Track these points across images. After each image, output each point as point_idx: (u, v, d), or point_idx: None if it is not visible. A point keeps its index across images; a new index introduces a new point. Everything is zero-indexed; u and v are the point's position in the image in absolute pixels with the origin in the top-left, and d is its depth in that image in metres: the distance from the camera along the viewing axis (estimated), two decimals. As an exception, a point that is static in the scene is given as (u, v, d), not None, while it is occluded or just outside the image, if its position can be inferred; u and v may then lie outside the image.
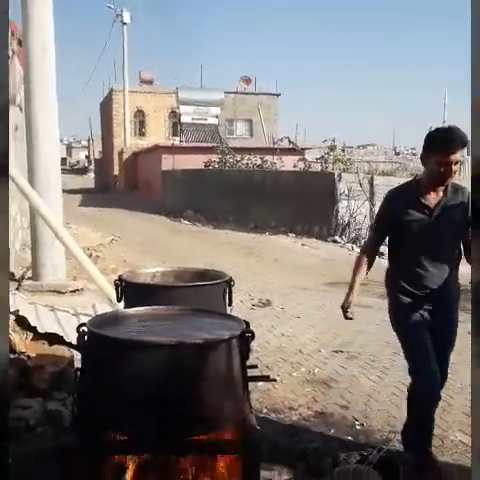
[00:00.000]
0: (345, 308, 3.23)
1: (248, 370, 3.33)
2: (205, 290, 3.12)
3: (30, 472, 2.43)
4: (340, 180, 13.21)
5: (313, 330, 6.07)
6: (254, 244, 12.68)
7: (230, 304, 3.28)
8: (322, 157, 17.10)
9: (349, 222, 13.15)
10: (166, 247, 11.26)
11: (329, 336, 5.85)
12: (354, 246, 12.42)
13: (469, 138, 2.56)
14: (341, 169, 15.70)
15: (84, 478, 2.10)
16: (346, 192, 13.09)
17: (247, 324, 2.41)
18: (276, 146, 20.24)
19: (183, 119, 26.06)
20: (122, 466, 2.14)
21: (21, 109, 7.54)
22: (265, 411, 3.91)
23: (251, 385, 3.96)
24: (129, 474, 2.15)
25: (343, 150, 17.95)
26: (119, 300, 3.15)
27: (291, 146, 19.92)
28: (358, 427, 3.74)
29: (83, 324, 2.23)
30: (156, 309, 2.53)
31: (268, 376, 3.04)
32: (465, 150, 2.95)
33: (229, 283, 3.25)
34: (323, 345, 5.50)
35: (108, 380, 2.06)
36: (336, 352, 5.29)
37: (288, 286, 8.39)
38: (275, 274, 9.46)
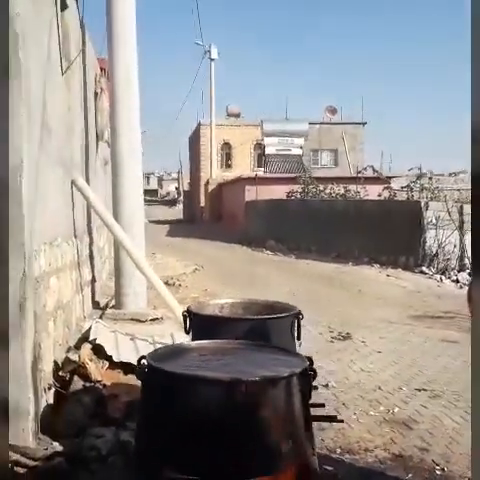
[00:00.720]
0: None
1: (314, 408, 3.27)
2: (272, 323, 3.08)
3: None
4: (427, 209, 12.75)
5: (395, 366, 5.80)
6: (336, 274, 12.45)
7: (299, 338, 3.21)
8: (408, 186, 16.62)
9: (437, 252, 12.61)
10: (247, 277, 11.30)
11: (412, 373, 5.56)
12: (443, 277, 11.87)
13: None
14: (428, 197, 15.17)
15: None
16: (434, 221, 12.60)
17: (310, 361, 2.34)
18: (360, 175, 19.95)
19: (267, 150, 26.44)
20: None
21: (108, 145, 7.95)
22: (339, 451, 3.74)
23: (325, 424, 3.89)
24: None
25: (430, 178, 17.37)
26: (187, 332, 3.17)
27: (375, 175, 19.58)
28: (438, 472, 3.49)
29: (143, 357, 2.26)
30: (217, 343, 2.53)
31: (335, 416, 2.92)
32: None
33: (297, 317, 3.19)
34: (405, 382, 5.23)
35: (163, 414, 2.06)
36: (418, 390, 5.01)
37: (371, 318, 8.12)
38: (357, 306, 9.20)
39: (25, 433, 3.34)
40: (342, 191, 18.43)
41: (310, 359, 2.39)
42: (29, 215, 3.63)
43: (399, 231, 13.09)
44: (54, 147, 4.87)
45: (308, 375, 2.18)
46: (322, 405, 3.11)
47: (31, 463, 3.14)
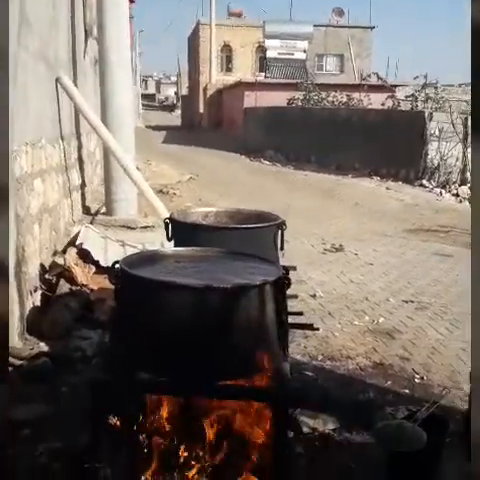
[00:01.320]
0: None
1: (293, 317, 3.27)
2: (255, 233, 3.00)
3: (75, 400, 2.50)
4: (431, 119, 12.35)
5: (385, 278, 5.82)
6: (335, 186, 12.29)
7: (282, 248, 3.15)
8: (412, 95, 16.02)
9: (439, 165, 12.37)
10: (244, 187, 11.15)
11: (401, 285, 5.59)
12: (443, 191, 11.71)
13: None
14: (433, 108, 14.68)
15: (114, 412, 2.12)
16: (437, 133, 12.26)
17: (286, 270, 2.29)
18: (364, 83, 19.23)
19: (269, 54, 25.37)
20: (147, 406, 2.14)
21: (97, 42, 7.51)
22: (320, 358, 3.81)
23: (309, 332, 3.92)
24: (154, 414, 2.15)
25: (436, 87, 16.71)
26: (169, 239, 3.11)
27: (380, 83, 18.84)
28: (417, 381, 3.56)
29: (117, 262, 2.20)
30: (195, 250, 2.46)
31: (312, 325, 2.92)
32: None
33: (281, 227, 3.10)
34: (393, 294, 5.27)
35: (135, 320, 2.03)
36: (406, 302, 5.05)
37: (365, 231, 8.09)
38: (353, 219, 9.14)
39: (10, 333, 3.36)
40: (345, 99, 17.82)
41: (286, 268, 2.34)
42: (7, 113, 3.44)
43: (401, 143, 12.77)
44: (35, 43, 4.58)
45: (282, 284, 2.14)
46: (300, 313, 3.12)
47: (17, 362, 3.19)
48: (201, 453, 2.17)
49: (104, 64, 6.51)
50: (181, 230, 3.02)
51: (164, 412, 2.19)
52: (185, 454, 2.15)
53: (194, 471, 2.13)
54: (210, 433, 2.20)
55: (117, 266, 2.15)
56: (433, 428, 2.47)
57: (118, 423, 2.14)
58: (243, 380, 2.10)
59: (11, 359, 3.16)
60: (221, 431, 2.23)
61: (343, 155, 14.37)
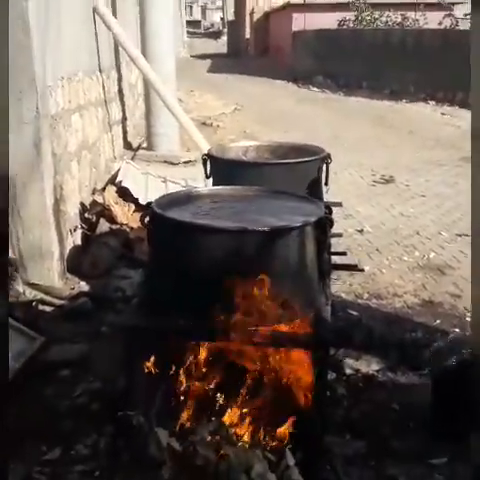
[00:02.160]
0: None
1: (335, 257, 3.13)
2: (297, 168, 2.84)
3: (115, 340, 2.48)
4: (493, 38, 11.42)
5: (437, 210, 5.55)
6: (388, 113, 11.70)
7: (326, 184, 2.98)
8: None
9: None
10: (290, 117, 10.74)
11: (454, 217, 5.31)
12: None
13: None
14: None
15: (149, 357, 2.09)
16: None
17: (329, 209, 2.13)
18: (420, 0, 17.83)
19: (319, -28, 23.74)
20: (186, 351, 2.09)
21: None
22: (366, 296, 3.68)
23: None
24: (193, 359, 2.10)
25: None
26: (207, 177, 2.98)
27: (437, 0, 17.44)
28: (468, 319, 3.40)
29: (150, 203, 2.10)
30: (233, 189, 2.33)
31: (355, 265, 2.78)
32: None
33: (326, 160, 2.92)
34: (445, 227, 5.02)
35: (168, 264, 1.95)
36: (459, 235, 4.79)
37: (419, 161, 7.69)
38: (407, 147, 8.70)
39: (51, 273, 3.39)
40: (399, 19, 16.66)
41: (329, 206, 2.18)
42: (39, 45, 3.32)
43: (458, 65, 11.88)
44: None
45: (324, 224, 1.99)
46: (344, 253, 2.97)
47: (57, 302, 3.22)
48: (239, 398, 2.13)
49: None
50: (220, 167, 2.90)
51: (200, 357, 2.15)
52: (222, 400, 2.11)
53: (232, 416, 2.10)
54: (249, 378, 2.15)
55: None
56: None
57: (153, 369, 2.11)
58: (283, 325, 2.02)
59: (51, 299, 3.19)
60: (260, 375, 2.18)
61: (397, 79, 13.59)
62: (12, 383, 2.45)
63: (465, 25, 15.07)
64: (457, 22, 15.55)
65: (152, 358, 2.11)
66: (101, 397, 2.46)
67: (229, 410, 2.10)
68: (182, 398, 2.10)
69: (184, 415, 2.07)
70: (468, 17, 15.18)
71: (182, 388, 2.13)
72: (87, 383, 2.60)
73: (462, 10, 17.42)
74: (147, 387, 2.09)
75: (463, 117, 10.98)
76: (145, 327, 2.02)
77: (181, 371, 2.16)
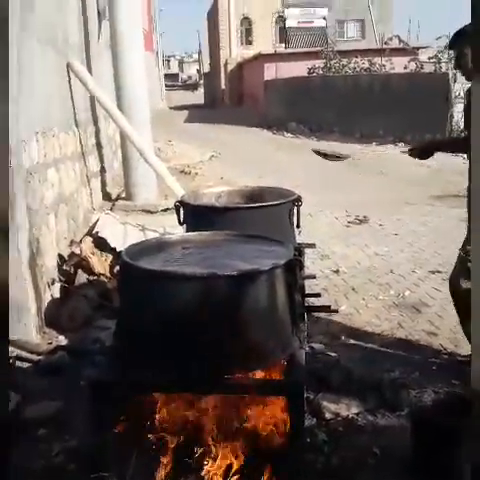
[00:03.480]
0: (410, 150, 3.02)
1: (311, 299, 3.15)
2: (269, 211, 2.87)
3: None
4: (455, 81, 11.92)
5: (411, 248, 5.66)
6: (359, 156, 12.01)
7: (298, 226, 3.04)
8: (435, 56, 15.43)
9: (465, 128, 11.97)
10: (266, 162, 10.97)
11: (427, 255, 5.43)
12: (470, 154, 11.33)
13: None
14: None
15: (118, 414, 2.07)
16: (462, 94, 11.82)
17: (299, 251, 2.18)
18: (386, 47, 18.59)
19: (289, 23, 24.86)
20: (155, 404, 2.08)
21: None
22: (344, 337, 3.71)
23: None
24: (162, 412, 2.09)
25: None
26: (181, 223, 3.02)
27: (402, 45, 18.19)
28: (445, 356, 3.44)
29: (120, 252, 2.13)
30: (203, 235, 2.35)
31: (329, 306, 2.80)
32: None
33: (296, 203, 2.98)
34: (419, 265, 5.11)
35: (137, 314, 1.95)
36: (432, 273, 4.89)
37: (390, 201, 7.89)
38: (378, 188, 8.94)
39: (27, 328, 3.36)
40: (367, 65, 17.30)
41: (299, 248, 2.23)
42: (12, 100, 3.38)
43: (425, 107, 12.38)
44: (40, 25, 4.46)
45: (294, 266, 2.00)
46: (318, 295, 3.00)
47: (34, 357, 3.19)
48: (216, 450, 2.11)
49: (116, 46, 6.41)
50: (193, 213, 2.92)
51: (173, 410, 2.12)
52: (199, 453, 2.09)
53: (210, 470, 2.08)
54: (225, 428, 2.14)
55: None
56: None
57: (125, 427, 2.08)
58: (255, 372, 2.03)
59: (28, 355, 3.16)
60: (237, 425, 2.17)
61: (367, 123, 14.02)
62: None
63: (429, 68, 15.72)
64: (422, 65, 16.19)
65: (123, 415, 2.08)
66: (78, 456, 2.40)
67: (206, 464, 2.07)
68: (157, 455, 2.07)
69: (161, 474, 2.04)
70: (432, 60, 15.85)
71: (156, 445, 2.10)
72: (64, 442, 2.54)
73: (426, 54, 18.18)
74: (120, 446, 2.05)
75: (432, 157, 11.31)
76: (111, 382, 1.97)
77: (154, 426, 2.13)
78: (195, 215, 2.91)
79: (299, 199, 3.00)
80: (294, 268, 2.01)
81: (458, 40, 2.89)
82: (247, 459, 2.08)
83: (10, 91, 3.27)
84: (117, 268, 2.04)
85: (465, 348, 3.49)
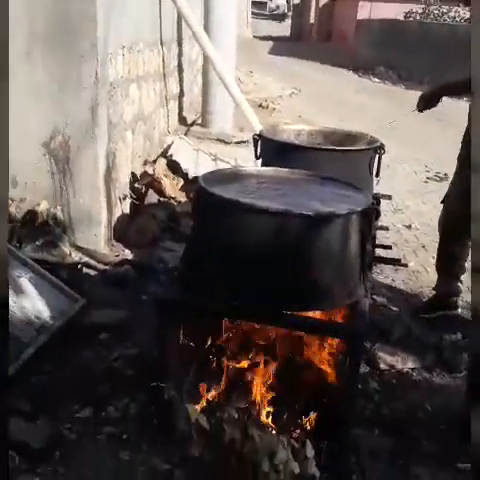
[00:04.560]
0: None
1: (380, 250, 3.05)
2: (349, 156, 2.78)
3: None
4: None
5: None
6: (447, 110, 11.32)
7: (377, 175, 2.91)
8: None
9: None
10: (348, 106, 10.53)
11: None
12: None
13: None
14: None
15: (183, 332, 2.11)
16: None
17: (377, 200, 2.08)
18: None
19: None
20: (220, 329, 2.10)
21: None
22: (408, 293, 3.60)
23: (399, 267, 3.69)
24: (227, 338, 2.11)
25: None
26: (257, 157, 2.96)
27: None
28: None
29: (197, 177, 2.10)
30: (280, 171, 2.30)
31: (399, 260, 2.70)
32: None
33: (378, 151, 2.85)
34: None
35: (209, 241, 1.94)
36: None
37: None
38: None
39: (97, 238, 3.45)
40: (468, 15, 16.03)
41: (377, 198, 2.13)
42: (104, 13, 3.34)
43: None
44: None
45: (369, 215, 1.94)
46: (389, 247, 2.90)
47: (101, 267, 3.28)
48: (270, 381, 2.13)
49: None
50: (270, 148, 2.87)
51: (235, 336, 2.15)
52: (253, 380, 2.12)
53: (262, 398, 2.11)
54: (281, 362, 2.15)
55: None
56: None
57: (188, 344, 2.13)
58: (320, 312, 2.00)
59: (95, 263, 3.25)
60: (293, 360, 2.18)
61: (459, 76, 13.12)
62: (51, 342, 2.52)
63: None
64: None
65: (187, 333, 2.13)
66: (137, 363, 2.49)
67: (259, 392, 2.11)
68: (214, 375, 2.12)
69: (214, 392, 2.09)
70: None
71: (215, 365, 2.15)
72: (124, 348, 2.63)
73: None
74: (181, 361, 2.11)
75: None
76: (182, 302, 2.02)
77: (215, 348, 2.18)
78: (273, 150, 2.85)
79: (382, 147, 2.88)
80: (370, 216, 1.96)
81: None
82: (299, 395, 2.10)
83: (101, 4, 3.22)
84: (193, 193, 2.02)
85: None
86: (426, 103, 3.07)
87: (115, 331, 2.76)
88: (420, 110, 3.09)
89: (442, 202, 3.20)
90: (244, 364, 2.15)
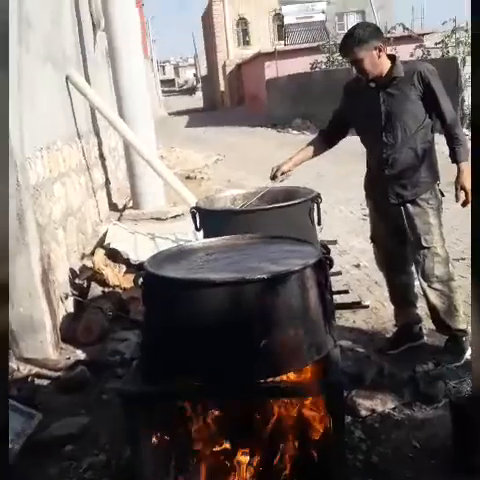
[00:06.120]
0: (273, 173, 3.03)
1: (340, 296, 3.03)
2: (289, 211, 2.77)
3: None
4: (465, 65, 11.72)
5: (431, 237, 5.48)
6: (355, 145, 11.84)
7: (319, 223, 2.92)
8: (442, 41, 15.16)
9: (477, 112, 11.74)
10: (273, 162, 10.80)
11: (449, 242, 5.20)
12: (483, 138, 11.12)
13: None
14: (465, 53, 13.89)
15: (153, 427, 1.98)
16: (473, 78, 11.62)
17: (326, 248, 2.07)
18: (389, 35, 18.33)
19: (287, 20, 24.72)
20: (187, 413, 1.98)
21: (106, 33, 7.31)
22: (371, 332, 3.58)
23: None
24: (197, 421, 1.99)
25: (466, 31, 15.75)
26: (198, 229, 2.93)
27: (406, 33, 17.92)
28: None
29: (143, 263, 2.04)
30: (226, 239, 2.27)
31: (359, 302, 2.69)
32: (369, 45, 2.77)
33: (316, 201, 2.87)
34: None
35: (167, 324, 1.85)
36: (456, 260, 4.72)
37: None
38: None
39: (44, 345, 3.28)
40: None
41: (325, 246, 2.13)
42: (14, 120, 3.32)
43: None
44: (38, 42, 4.41)
45: (323, 265, 1.92)
46: (346, 291, 2.89)
47: (53, 374, 3.10)
48: (256, 456, 2.01)
49: (114, 54, 6.33)
50: (209, 218, 2.85)
51: (210, 418, 2.03)
52: (241, 458, 1.99)
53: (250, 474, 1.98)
54: (263, 432, 2.04)
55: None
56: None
57: (160, 438, 1.99)
58: (291, 374, 1.93)
59: (47, 372, 3.08)
60: (275, 429, 2.08)
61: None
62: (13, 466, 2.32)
63: (436, 53, 15.48)
64: (428, 52, 15.92)
65: (159, 426, 2.00)
66: (109, 470, 2.32)
67: (246, 471, 1.98)
68: (196, 466, 1.98)
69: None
70: (439, 46, 15.60)
71: (195, 455, 2.01)
72: (93, 456, 2.46)
73: (432, 40, 17.89)
74: (156, 459, 1.97)
75: (445, 143, 11.12)
76: (148, 393, 1.91)
77: (192, 436, 2.04)
78: (213, 220, 2.83)
79: (318, 196, 2.91)
80: (324, 266, 1.95)
81: None
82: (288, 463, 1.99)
83: (11, 109, 3.20)
84: (141, 280, 1.95)
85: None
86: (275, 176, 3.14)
87: (80, 440, 2.58)
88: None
89: (372, 241, 3.26)
90: (224, 447, 2.03)
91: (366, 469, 2.32)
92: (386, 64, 2.90)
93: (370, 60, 2.83)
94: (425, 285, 3.09)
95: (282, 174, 3.07)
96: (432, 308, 3.15)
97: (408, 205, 3.00)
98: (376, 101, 2.92)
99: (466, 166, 2.95)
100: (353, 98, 3.08)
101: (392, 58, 2.94)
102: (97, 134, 6.54)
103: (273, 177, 3.06)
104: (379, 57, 2.85)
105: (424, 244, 3.02)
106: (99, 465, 2.41)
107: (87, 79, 6.15)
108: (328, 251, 2.02)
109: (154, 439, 1.98)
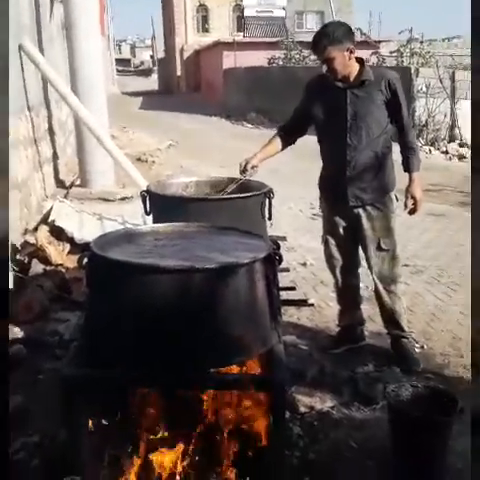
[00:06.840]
0: (243, 167, 3.05)
1: (285, 292, 3.04)
2: (240, 203, 2.75)
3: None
4: (417, 75, 12.00)
5: (378, 241, 5.59)
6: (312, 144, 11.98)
7: (270, 218, 2.91)
8: (398, 50, 15.55)
9: (427, 122, 12.07)
10: (225, 152, 10.77)
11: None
12: (432, 148, 11.46)
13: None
14: (419, 64, 14.28)
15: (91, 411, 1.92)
16: (424, 89, 11.93)
17: (277, 245, 2.06)
18: (346, 39, 18.59)
19: (247, 12, 24.62)
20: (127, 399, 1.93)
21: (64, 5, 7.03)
22: (315, 330, 3.61)
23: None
24: (136, 408, 1.94)
25: (422, 42, 16.21)
26: (147, 213, 2.85)
27: (363, 39, 18.25)
28: (417, 350, 3.38)
29: (89, 243, 1.95)
30: (175, 226, 2.21)
31: (305, 300, 2.71)
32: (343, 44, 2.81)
33: (268, 195, 2.86)
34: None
35: (111, 309, 1.79)
36: (406, 265, 4.83)
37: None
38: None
39: (-21, 321, 3.10)
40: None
41: (276, 242, 2.12)
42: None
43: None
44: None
45: (272, 260, 1.92)
46: (293, 288, 2.90)
47: (-13, 352, 2.95)
48: (193, 446, 1.98)
49: (71, 29, 6.09)
50: (160, 203, 2.78)
51: (148, 406, 1.99)
52: (176, 450, 1.96)
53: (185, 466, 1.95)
54: (202, 424, 2.02)
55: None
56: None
57: (97, 423, 1.93)
58: (235, 366, 1.91)
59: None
60: (214, 421, 2.05)
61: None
62: None
63: (391, 62, 15.83)
64: (383, 59, 16.26)
65: (97, 411, 1.94)
66: (42, 452, 2.23)
67: (183, 460, 1.95)
68: (132, 452, 1.93)
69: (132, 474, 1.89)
70: (394, 55, 15.97)
71: (132, 442, 1.96)
72: (26, 437, 2.36)
73: (387, 48, 18.30)
74: (91, 443, 1.90)
75: (395, 151, 11.39)
76: (89, 377, 1.84)
77: (128, 422, 1.99)
78: (163, 205, 2.77)
79: (271, 191, 2.90)
80: (273, 262, 1.94)
81: None
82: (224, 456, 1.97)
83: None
84: (85, 260, 1.87)
85: (438, 342, 3.46)
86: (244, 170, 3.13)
87: (12, 419, 2.46)
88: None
89: (325, 241, 3.25)
90: (162, 435, 1.98)
91: (302, 466, 2.32)
92: (355, 66, 2.92)
93: (341, 60, 2.84)
94: (381, 287, 3.15)
95: (252, 168, 3.02)
96: (387, 309, 3.21)
97: (368, 207, 3.03)
98: (342, 101, 2.92)
99: (417, 176, 3.01)
100: (316, 96, 3.08)
101: (360, 61, 2.96)
102: (47, 107, 6.29)
103: (243, 171, 3.01)
104: (349, 59, 2.86)
105: (383, 247, 3.08)
106: (31, 445, 2.32)
107: (41, 51, 5.90)
108: (278, 247, 2.01)
109: (91, 423, 1.93)
